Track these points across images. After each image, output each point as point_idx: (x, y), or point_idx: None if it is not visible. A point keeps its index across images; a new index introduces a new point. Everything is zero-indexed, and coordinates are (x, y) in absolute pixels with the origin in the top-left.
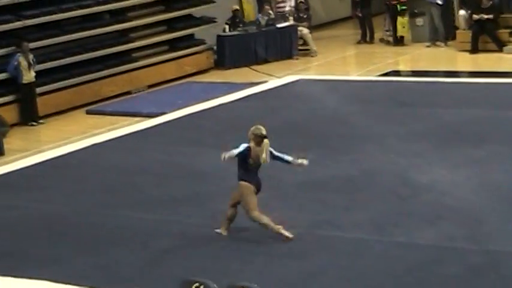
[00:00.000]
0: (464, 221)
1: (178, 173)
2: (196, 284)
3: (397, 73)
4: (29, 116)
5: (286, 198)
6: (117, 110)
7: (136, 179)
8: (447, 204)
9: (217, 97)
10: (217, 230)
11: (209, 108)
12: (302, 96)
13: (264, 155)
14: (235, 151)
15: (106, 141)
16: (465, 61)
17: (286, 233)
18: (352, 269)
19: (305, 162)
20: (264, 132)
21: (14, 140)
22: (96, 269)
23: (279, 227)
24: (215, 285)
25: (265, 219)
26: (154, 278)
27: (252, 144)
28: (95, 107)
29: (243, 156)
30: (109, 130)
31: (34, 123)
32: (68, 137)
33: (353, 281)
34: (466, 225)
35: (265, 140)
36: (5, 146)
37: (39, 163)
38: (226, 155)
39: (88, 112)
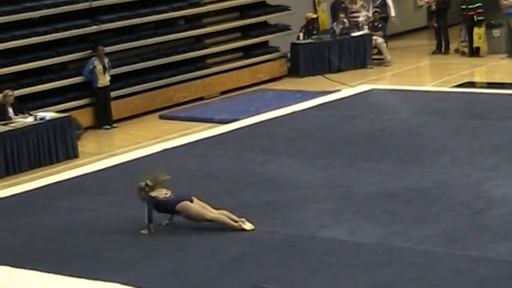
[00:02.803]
0: None
1: (249, 180)
2: None
3: (471, 85)
4: (103, 120)
5: (357, 209)
6: (189, 116)
7: (207, 185)
8: None
9: (289, 105)
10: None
11: (282, 116)
12: (375, 106)
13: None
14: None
15: (178, 146)
16: None
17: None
18: (422, 281)
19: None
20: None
21: (87, 143)
22: (166, 274)
23: (231, 224)
24: None
25: (222, 219)
26: (223, 284)
27: (153, 193)
28: (168, 112)
29: (155, 206)
30: (181, 136)
31: (108, 127)
32: (140, 142)
33: None
34: None
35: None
36: (79, 149)
37: (112, 167)
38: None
39: (161, 117)
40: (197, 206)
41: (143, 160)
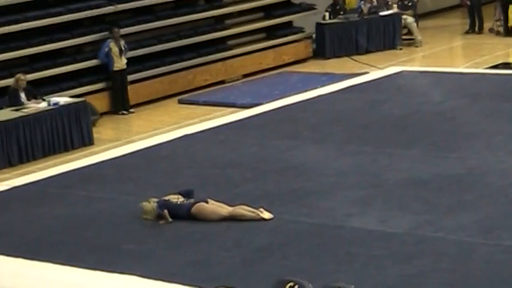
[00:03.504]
0: None
1: (273, 168)
2: (291, 284)
3: (507, 66)
4: (120, 105)
5: (387, 197)
6: (210, 100)
7: (229, 173)
8: None
9: (315, 88)
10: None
11: (307, 100)
12: (405, 89)
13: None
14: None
15: (198, 132)
16: None
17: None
18: (455, 272)
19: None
20: None
21: (103, 129)
22: (187, 266)
23: (249, 215)
24: (310, 285)
25: (238, 212)
26: (247, 276)
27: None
28: (188, 96)
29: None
30: (202, 121)
31: (125, 112)
32: (159, 127)
33: (455, 286)
34: None
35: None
36: (95, 136)
37: (129, 154)
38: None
39: (180, 102)
40: (212, 206)
41: (162, 147)
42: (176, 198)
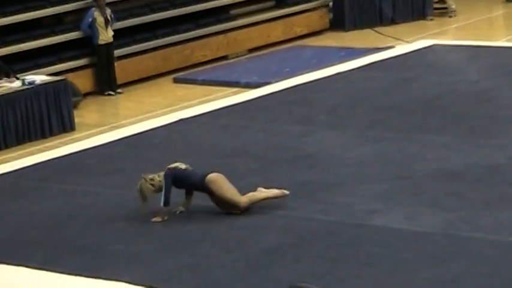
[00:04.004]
0: None
1: (283, 157)
2: None
3: None
4: (106, 84)
5: (416, 191)
6: (210, 79)
7: (232, 163)
8: None
9: (332, 65)
10: None
11: (323, 79)
12: (437, 66)
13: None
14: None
15: (196, 116)
16: None
17: (281, 193)
18: (494, 277)
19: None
20: None
21: (87, 112)
22: (183, 270)
23: (272, 192)
24: None
25: (256, 197)
26: (253, 282)
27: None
28: (184, 74)
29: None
30: (200, 103)
31: (111, 93)
32: (151, 111)
33: None
34: None
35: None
36: (76, 120)
37: (116, 141)
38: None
39: (176, 80)
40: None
41: (155, 133)
42: (183, 166)
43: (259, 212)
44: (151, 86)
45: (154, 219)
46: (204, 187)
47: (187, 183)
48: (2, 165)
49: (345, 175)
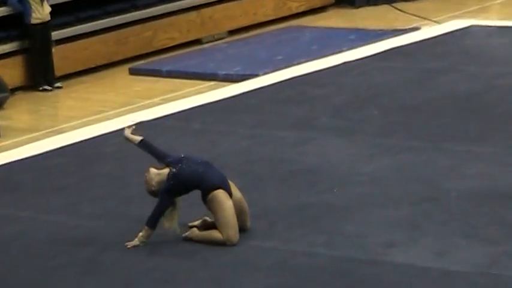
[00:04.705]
0: None
1: (275, 172)
2: None
3: None
4: (40, 76)
5: (448, 217)
6: (178, 70)
7: None
8: None
9: (339, 52)
10: None
11: (326, 70)
12: (474, 54)
13: None
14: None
15: (160, 118)
16: None
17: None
18: None
19: None
20: None
21: (16, 113)
22: None
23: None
24: None
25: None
26: None
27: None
28: (144, 64)
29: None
30: (165, 101)
31: (48, 88)
32: (100, 111)
33: None
34: None
35: None
36: (2, 123)
37: (55, 151)
38: None
39: (133, 72)
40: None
41: (106, 140)
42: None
43: (242, 244)
44: (101, 78)
45: (129, 244)
46: (205, 199)
47: (196, 184)
48: None
49: (355, 196)
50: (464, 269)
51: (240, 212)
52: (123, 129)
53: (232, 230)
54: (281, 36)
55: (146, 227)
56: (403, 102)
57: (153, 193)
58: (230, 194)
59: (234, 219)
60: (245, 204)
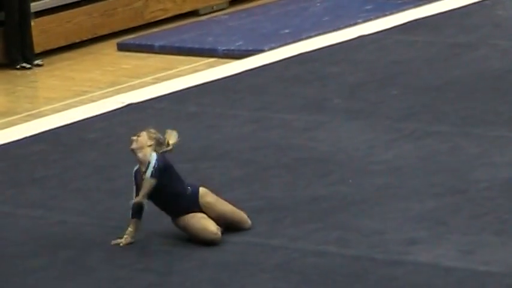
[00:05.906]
0: None
1: (281, 161)
2: None
3: None
4: (18, 53)
5: (477, 211)
6: (172, 45)
7: (206, 169)
8: None
9: (354, 24)
10: None
11: (339, 44)
12: (508, 26)
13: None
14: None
15: (152, 99)
16: None
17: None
18: None
19: None
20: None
21: None
22: None
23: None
24: None
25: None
26: None
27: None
28: (134, 38)
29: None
30: (158, 81)
31: (26, 66)
32: (85, 92)
33: None
34: None
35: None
36: None
37: (34, 136)
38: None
39: (121, 47)
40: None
41: (91, 124)
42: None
43: (244, 242)
44: (85, 55)
45: (115, 242)
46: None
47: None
48: None
49: (372, 188)
50: (495, 269)
51: (222, 217)
52: (110, 112)
53: (211, 226)
54: (288, 7)
55: (134, 219)
56: (426, 82)
57: (133, 154)
58: None
59: (206, 219)
60: (226, 206)
